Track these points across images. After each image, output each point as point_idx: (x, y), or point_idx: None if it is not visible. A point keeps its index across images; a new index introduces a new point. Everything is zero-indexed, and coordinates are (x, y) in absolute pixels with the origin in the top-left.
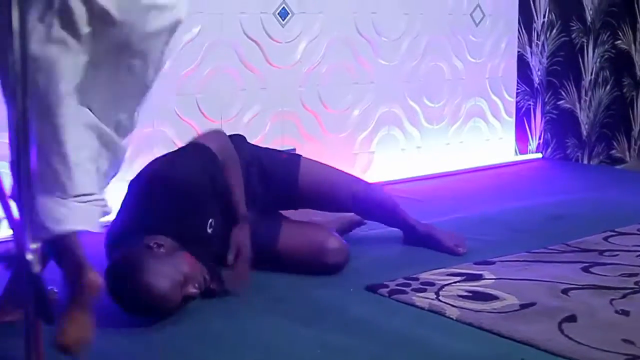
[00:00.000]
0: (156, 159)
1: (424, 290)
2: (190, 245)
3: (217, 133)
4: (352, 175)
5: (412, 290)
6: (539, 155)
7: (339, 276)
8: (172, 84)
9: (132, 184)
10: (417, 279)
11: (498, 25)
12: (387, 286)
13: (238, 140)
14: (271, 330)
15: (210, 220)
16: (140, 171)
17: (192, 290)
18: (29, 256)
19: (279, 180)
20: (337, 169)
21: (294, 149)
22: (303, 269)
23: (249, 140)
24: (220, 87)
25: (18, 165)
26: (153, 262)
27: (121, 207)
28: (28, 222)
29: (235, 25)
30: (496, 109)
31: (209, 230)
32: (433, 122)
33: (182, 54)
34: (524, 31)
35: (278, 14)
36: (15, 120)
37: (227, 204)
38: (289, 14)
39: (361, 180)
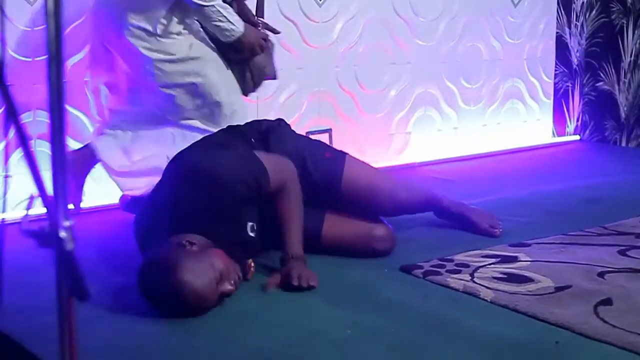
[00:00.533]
0: (199, 151)
1: (459, 272)
2: (226, 245)
3: (281, 160)
4: (394, 181)
5: (447, 271)
6: (577, 137)
7: (366, 259)
8: None
9: (173, 172)
10: (451, 261)
11: (537, 6)
12: (421, 267)
13: (283, 131)
14: (304, 310)
15: (251, 224)
16: (182, 160)
17: (228, 287)
18: (62, 233)
19: (321, 183)
20: (380, 173)
21: (330, 130)
22: (350, 254)
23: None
24: None
25: (53, 142)
26: (187, 260)
27: (157, 192)
28: (61, 200)
29: (272, 5)
30: (534, 91)
31: (252, 234)
32: (470, 103)
33: None
34: (562, 12)
35: None
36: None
37: (280, 235)
38: None
39: (402, 185)
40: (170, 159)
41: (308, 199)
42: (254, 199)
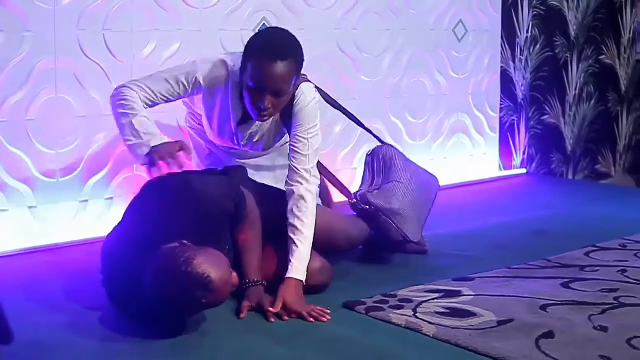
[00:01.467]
0: (174, 174)
1: (402, 307)
2: None
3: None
4: (346, 219)
5: (390, 307)
6: (524, 170)
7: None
8: None
9: (148, 191)
10: (395, 296)
11: (481, 41)
12: (364, 303)
13: (243, 172)
14: (245, 348)
15: (226, 247)
16: (158, 182)
17: (235, 278)
18: None
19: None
20: (334, 213)
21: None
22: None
23: None
24: None
25: None
26: (195, 252)
27: (130, 213)
28: None
29: (215, 42)
30: (480, 125)
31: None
32: (416, 138)
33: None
34: (507, 46)
35: (258, 30)
36: None
37: (242, 265)
38: None
39: (353, 223)
40: None
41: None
42: (230, 221)
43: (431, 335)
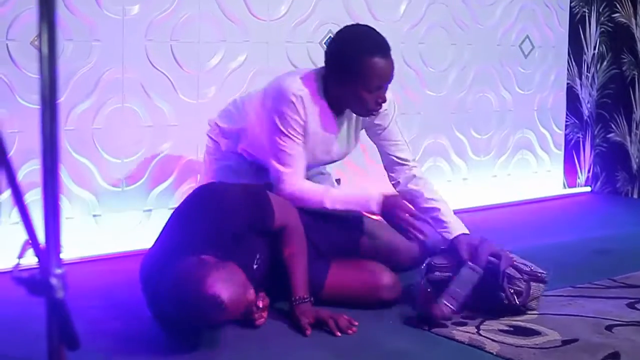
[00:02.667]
0: (207, 187)
1: (465, 324)
2: None
3: (285, 203)
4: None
5: (453, 324)
6: (588, 188)
7: (374, 310)
8: (216, 112)
9: (179, 209)
10: (458, 313)
11: (547, 57)
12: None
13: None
14: None
15: (257, 255)
16: (187, 198)
17: (252, 294)
18: (53, 281)
19: (339, 242)
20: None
21: (339, 179)
22: (355, 304)
23: None
24: None
25: (45, 190)
26: (214, 268)
27: (165, 230)
28: (53, 248)
29: (281, 54)
30: (544, 142)
31: (255, 266)
32: (480, 154)
33: (227, 81)
34: (573, 63)
35: (324, 43)
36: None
37: (286, 279)
38: None
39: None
40: None
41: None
42: (261, 231)
43: (494, 353)
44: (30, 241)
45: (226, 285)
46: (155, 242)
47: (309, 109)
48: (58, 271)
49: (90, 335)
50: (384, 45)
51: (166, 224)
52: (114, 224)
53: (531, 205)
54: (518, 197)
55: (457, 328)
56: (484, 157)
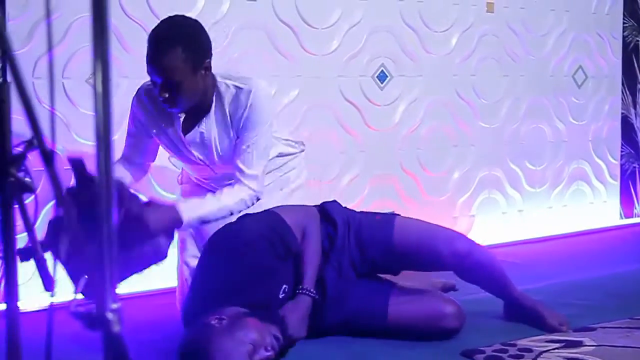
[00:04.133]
0: (220, 229)
1: (522, 357)
2: (260, 309)
3: (300, 208)
4: (453, 231)
5: (509, 356)
6: None
7: (432, 340)
8: None
9: (201, 261)
10: (514, 345)
11: (601, 87)
12: (483, 352)
13: (332, 205)
14: None
15: (284, 286)
16: (206, 244)
17: (264, 354)
18: (110, 316)
19: (373, 242)
20: (437, 226)
21: (393, 212)
22: (417, 334)
23: (347, 204)
24: (318, 150)
25: (101, 224)
26: (216, 341)
27: (193, 281)
28: (109, 281)
29: (333, 89)
30: (600, 172)
31: (281, 296)
32: (535, 185)
33: (280, 116)
34: (627, 92)
35: (377, 77)
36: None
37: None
38: (387, 77)
39: (463, 236)
40: None
41: (365, 265)
42: (286, 260)
43: None
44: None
45: (230, 354)
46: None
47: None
48: (114, 306)
49: None
50: (164, 40)
51: (194, 275)
52: None
53: (588, 237)
54: (574, 229)
55: None
56: (539, 188)
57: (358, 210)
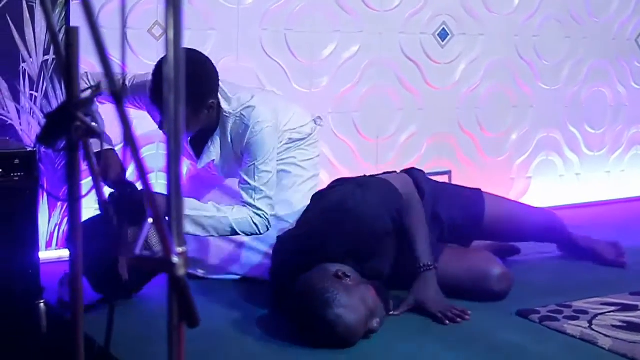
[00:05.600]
0: (344, 184)
1: (577, 319)
2: (369, 279)
3: (403, 176)
4: (533, 208)
5: (564, 317)
6: None
7: (488, 301)
8: (329, 102)
9: (318, 211)
10: (569, 307)
11: None
12: (538, 312)
13: (419, 174)
14: (415, 353)
15: (391, 260)
16: (328, 193)
17: (375, 325)
18: (175, 259)
19: (465, 217)
20: (520, 203)
21: (450, 172)
22: (465, 295)
23: (405, 162)
24: (377, 106)
25: (169, 172)
26: (344, 294)
27: (303, 220)
28: (175, 225)
29: (394, 45)
30: None
31: (388, 269)
32: (593, 149)
33: (340, 71)
34: None
35: (438, 34)
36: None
37: (410, 250)
38: (448, 35)
39: (538, 210)
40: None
41: (451, 234)
42: (396, 232)
43: (607, 348)
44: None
45: (345, 315)
46: (297, 228)
47: None
48: (180, 249)
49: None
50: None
51: (310, 214)
52: None
53: None
54: (632, 194)
55: (569, 322)
56: (597, 152)
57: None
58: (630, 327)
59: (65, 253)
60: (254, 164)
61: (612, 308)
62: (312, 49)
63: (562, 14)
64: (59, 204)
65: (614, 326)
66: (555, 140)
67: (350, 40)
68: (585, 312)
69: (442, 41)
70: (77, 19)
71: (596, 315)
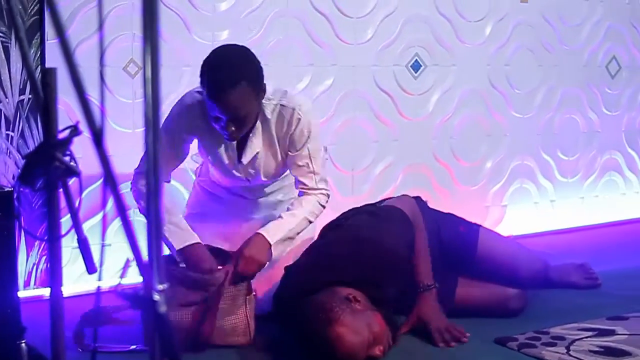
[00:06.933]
0: (355, 215)
1: (555, 345)
2: (379, 306)
3: (409, 199)
4: (530, 251)
5: (542, 344)
6: None
7: (467, 329)
8: None
9: (334, 238)
10: (547, 333)
11: (634, 77)
12: (516, 339)
13: (421, 205)
14: None
15: (399, 285)
16: (342, 224)
17: (377, 352)
18: (156, 296)
19: (456, 253)
20: (516, 244)
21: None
22: (483, 313)
23: (380, 193)
24: (352, 139)
25: (148, 211)
26: (349, 315)
27: (314, 248)
28: (156, 263)
29: (368, 78)
30: (632, 163)
31: (395, 293)
32: (567, 176)
33: (315, 105)
34: None
35: (411, 66)
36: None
37: (412, 272)
38: (421, 66)
39: (539, 257)
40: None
41: (442, 268)
42: (410, 255)
43: None
44: (133, 259)
45: (348, 334)
46: (312, 254)
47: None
48: (160, 287)
49: None
50: (228, 79)
51: (323, 243)
52: None
53: (619, 227)
54: (606, 219)
55: (547, 349)
56: (571, 178)
57: None
58: (607, 351)
59: (44, 292)
60: (307, 147)
61: (589, 333)
62: (287, 83)
63: (534, 42)
64: (37, 243)
65: (591, 351)
66: (529, 167)
67: (324, 73)
68: (562, 338)
69: (415, 72)
70: (53, 58)
71: (574, 340)
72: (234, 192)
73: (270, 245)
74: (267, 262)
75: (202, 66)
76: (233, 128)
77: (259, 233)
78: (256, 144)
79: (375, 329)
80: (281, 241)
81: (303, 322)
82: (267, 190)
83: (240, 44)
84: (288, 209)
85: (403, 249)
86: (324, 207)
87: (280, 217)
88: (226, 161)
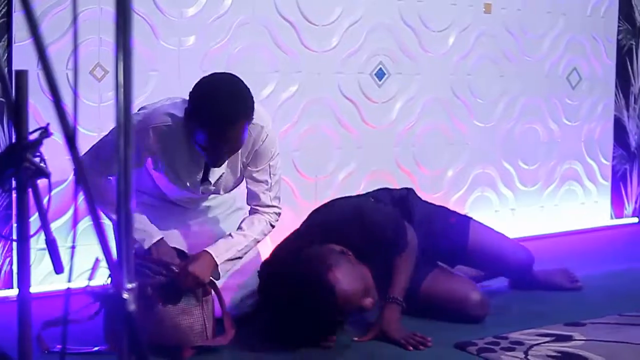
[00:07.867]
0: (357, 199)
1: (513, 350)
2: None
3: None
4: (516, 242)
5: (501, 349)
6: (635, 219)
7: (428, 332)
8: None
9: (334, 209)
10: (506, 338)
11: (595, 89)
12: (475, 344)
13: (411, 195)
14: None
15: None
16: (337, 201)
17: (367, 303)
18: (125, 295)
19: (447, 244)
20: (502, 236)
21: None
22: (443, 315)
23: None
24: (316, 146)
25: (119, 210)
26: (346, 263)
27: (304, 226)
28: (125, 261)
29: (332, 85)
30: (592, 173)
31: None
32: (527, 184)
33: (280, 111)
34: (621, 95)
35: (375, 74)
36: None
37: (389, 279)
38: (385, 74)
39: (524, 248)
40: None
41: (431, 258)
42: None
43: None
44: (103, 258)
45: (347, 278)
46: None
47: (173, 139)
48: (130, 286)
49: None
50: (230, 117)
51: (326, 217)
52: None
53: (579, 236)
54: (565, 228)
55: (506, 353)
56: (531, 187)
57: None
58: (564, 357)
59: (9, 293)
60: (269, 164)
61: (547, 339)
62: (252, 89)
63: (496, 53)
64: (0, 244)
65: (549, 356)
66: (490, 176)
67: (289, 80)
68: (521, 343)
69: (379, 81)
70: (20, 61)
71: (532, 346)
72: (169, 200)
73: (217, 265)
74: (207, 282)
75: (199, 97)
76: (227, 157)
77: (207, 251)
78: (224, 164)
79: (368, 281)
80: (228, 261)
81: (300, 274)
82: (206, 200)
83: (208, 50)
84: (240, 228)
85: (390, 230)
86: (273, 227)
87: (230, 235)
88: (187, 181)
